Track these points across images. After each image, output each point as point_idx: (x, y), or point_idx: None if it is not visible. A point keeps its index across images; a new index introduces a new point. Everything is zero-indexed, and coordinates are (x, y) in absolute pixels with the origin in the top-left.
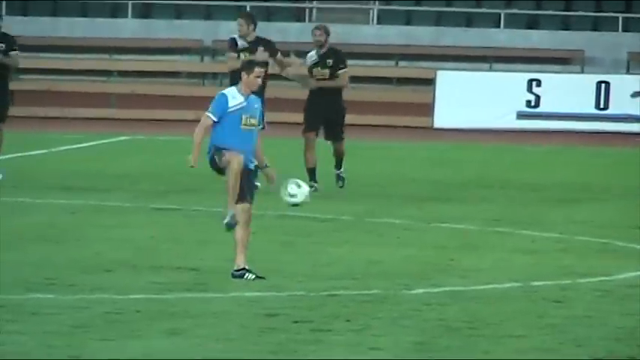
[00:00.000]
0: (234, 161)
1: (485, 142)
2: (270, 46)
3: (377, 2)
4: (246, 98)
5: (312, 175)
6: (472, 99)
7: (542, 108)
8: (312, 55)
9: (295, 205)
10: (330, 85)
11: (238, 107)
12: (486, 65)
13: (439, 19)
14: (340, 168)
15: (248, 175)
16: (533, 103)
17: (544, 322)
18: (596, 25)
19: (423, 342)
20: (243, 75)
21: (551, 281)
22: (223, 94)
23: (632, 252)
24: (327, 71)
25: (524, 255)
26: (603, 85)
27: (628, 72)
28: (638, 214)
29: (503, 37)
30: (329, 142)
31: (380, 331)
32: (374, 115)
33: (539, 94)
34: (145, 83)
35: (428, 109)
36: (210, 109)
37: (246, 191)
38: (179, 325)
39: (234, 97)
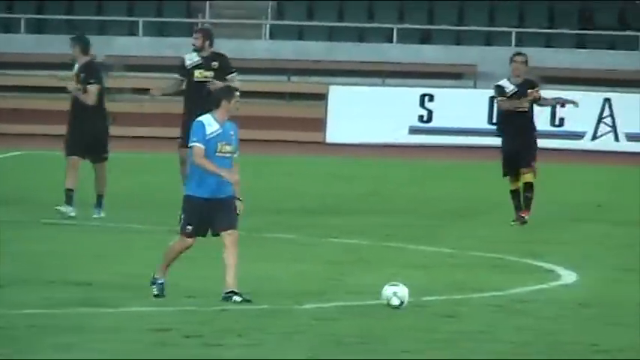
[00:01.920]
0: (184, 245)
1: (378, 157)
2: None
3: (269, 17)
4: (222, 125)
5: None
6: (365, 114)
7: (435, 123)
8: (192, 57)
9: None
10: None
11: (214, 134)
12: (379, 80)
13: (331, 34)
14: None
15: (230, 203)
16: (425, 118)
17: (435, 337)
18: (488, 40)
19: (314, 357)
20: (224, 102)
21: (443, 296)
22: (200, 122)
23: (524, 267)
24: (211, 73)
25: (415, 270)
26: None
27: None
28: (530, 230)
29: (395, 52)
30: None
31: (271, 345)
32: (266, 130)
33: (432, 109)
34: (32, 98)
35: (320, 124)
36: (193, 138)
37: (233, 219)
38: (70, 340)
39: (209, 124)
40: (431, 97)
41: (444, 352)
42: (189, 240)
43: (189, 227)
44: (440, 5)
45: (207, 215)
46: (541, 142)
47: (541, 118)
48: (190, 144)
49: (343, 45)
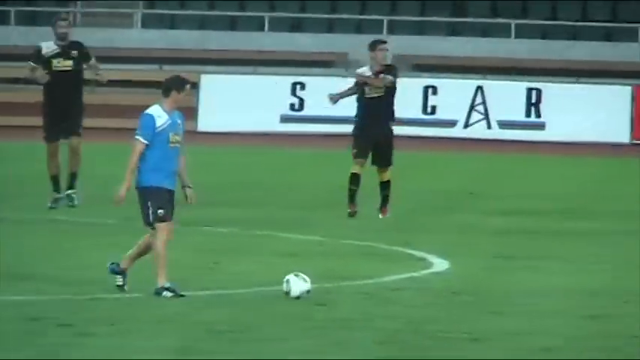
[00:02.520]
0: (165, 232)
1: (250, 145)
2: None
3: (141, 6)
4: (170, 115)
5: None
6: (236, 102)
7: (306, 111)
8: (51, 46)
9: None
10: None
11: (165, 126)
12: (251, 69)
13: (203, 23)
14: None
15: (170, 196)
16: (297, 107)
17: (306, 324)
18: (360, 28)
19: (185, 346)
20: (173, 93)
21: (314, 284)
22: (149, 115)
23: (395, 255)
24: (70, 62)
25: (286, 258)
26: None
27: None
28: (401, 218)
29: (267, 41)
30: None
31: (143, 334)
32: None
33: (303, 97)
34: None
35: (192, 112)
36: (139, 132)
37: (169, 211)
38: None
39: (159, 115)
40: (302, 86)
41: (315, 340)
42: (166, 224)
43: (161, 210)
44: None
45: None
46: (413, 130)
47: (413, 106)
48: (136, 136)
49: (215, 34)
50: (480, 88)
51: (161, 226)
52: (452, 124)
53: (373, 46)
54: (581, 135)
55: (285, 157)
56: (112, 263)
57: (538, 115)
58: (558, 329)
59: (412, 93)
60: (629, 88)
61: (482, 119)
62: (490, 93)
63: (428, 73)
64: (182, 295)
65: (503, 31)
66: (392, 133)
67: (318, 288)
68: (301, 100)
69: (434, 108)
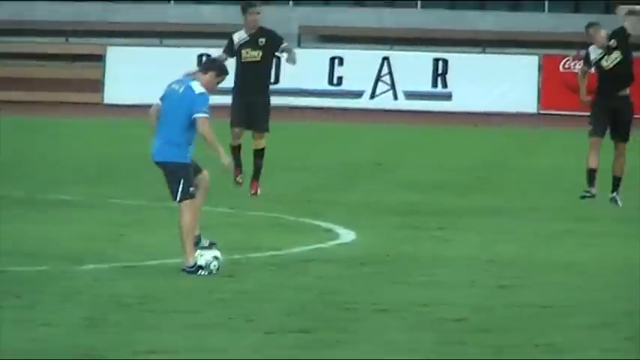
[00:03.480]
0: (192, 209)
1: None
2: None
3: None
4: None
5: None
6: (143, 75)
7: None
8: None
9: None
10: None
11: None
12: (157, 41)
13: None
14: None
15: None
16: None
17: (215, 297)
18: (267, 0)
19: (93, 317)
20: (211, 74)
21: (223, 256)
22: (207, 94)
23: (303, 226)
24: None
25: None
26: (274, 60)
27: (299, 46)
28: (308, 189)
29: (174, 13)
30: None
31: (50, 307)
32: (45, 92)
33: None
34: None
35: (98, 85)
36: (205, 109)
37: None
38: None
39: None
40: (208, 57)
41: (223, 311)
42: (192, 201)
43: (192, 189)
44: None
45: None
46: (319, 102)
47: (319, 77)
48: (204, 114)
49: (121, 6)
50: (386, 58)
51: (187, 203)
52: (358, 94)
53: (244, 10)
54: (488, 105)
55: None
56: (183, 270)
57: (445, 86)
58: (466, 299)
59: (318, 64)
60: (536, 58)
61: (389, 90)
62: (396, 64)
63: (334, 44)
64: (212, 271)
65: (409, 2)
66: (268, 98)
67: (226, 260)
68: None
69: (340, 79)
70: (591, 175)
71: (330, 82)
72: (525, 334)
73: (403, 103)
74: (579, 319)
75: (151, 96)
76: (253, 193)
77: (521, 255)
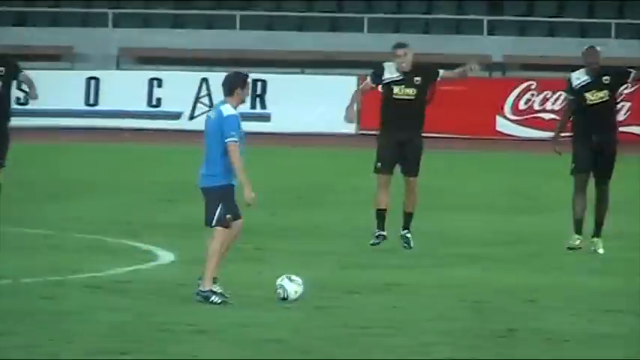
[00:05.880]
0: (224, 235)
1: None
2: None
3: None
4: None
5: None
6: None
7: (32, 105)
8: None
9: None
10: None
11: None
12: None
13: None
14: None
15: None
16: (22, 101)
17: (34, 318)
18: (85, 22)
19: None
20: (238, 90)
21: (41, 277)
22: (237, 116)
23: (121, 247)
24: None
25: (13, 252)
26: (93, 82)
27: (118, 67)
28: (126, 210)
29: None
30: None
31: None
32: None
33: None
34: None
35: None
36: (233, 133)
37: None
38: None
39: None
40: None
41: (42, 333)
42: (228, 230)
43: (229, 216)
44: None
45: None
46: (138, 123)
47: (138, 98)
48: (232, 139)
49: None
50: (204, 80)
51: (220, 231)
52: (177, 116)
53: None
54: (307, 126)
55: (13, 152)
56: (197, 294)
57: (263, 107)
58: (284, 321)
59: (137, 85)
60: (354, 78)
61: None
62: (215, 84)
63: (153, 65)
64: (226, 299)
65: (228, 23)
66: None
67: (45, 282)
68: (26, 94)
69: (159, 100)
70: None
71: (149, 104)
72: (346, 355)
73: None
74: (399, 340)
75: None
76: None
77: (339, 276)
